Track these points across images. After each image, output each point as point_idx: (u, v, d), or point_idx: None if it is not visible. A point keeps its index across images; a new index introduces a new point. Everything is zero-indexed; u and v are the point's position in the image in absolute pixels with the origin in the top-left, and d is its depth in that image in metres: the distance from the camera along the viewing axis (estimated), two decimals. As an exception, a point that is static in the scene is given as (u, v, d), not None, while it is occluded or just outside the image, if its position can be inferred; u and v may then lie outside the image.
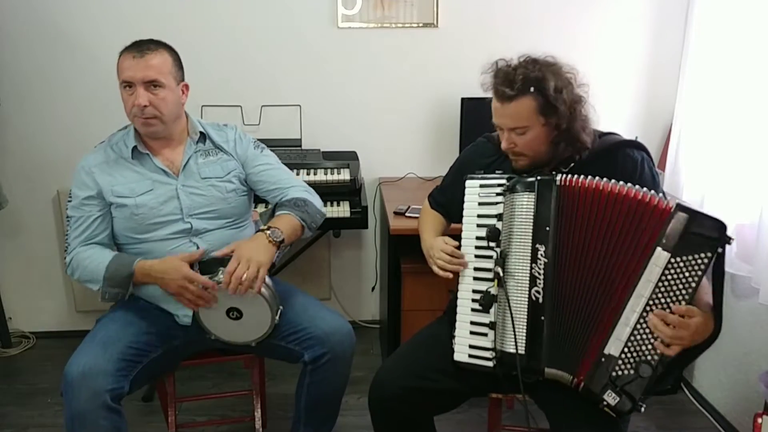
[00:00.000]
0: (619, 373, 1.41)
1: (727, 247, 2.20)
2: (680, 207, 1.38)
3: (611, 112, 2.87)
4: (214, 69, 2.75)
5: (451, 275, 1.64)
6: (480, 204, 1.60)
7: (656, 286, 1.38)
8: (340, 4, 2.72)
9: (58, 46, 2.70)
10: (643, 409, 1.41)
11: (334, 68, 2.81)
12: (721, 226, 1.34)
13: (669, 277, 1.37)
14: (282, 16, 2.73)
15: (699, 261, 1.35)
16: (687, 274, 1.36)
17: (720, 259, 1.36)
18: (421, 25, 2.77)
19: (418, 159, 2.92)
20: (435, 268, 1.66)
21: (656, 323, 1.37)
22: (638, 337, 1.40)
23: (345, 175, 2.61)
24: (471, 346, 1.59)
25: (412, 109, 2.87)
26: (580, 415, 1.51)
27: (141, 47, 1.74)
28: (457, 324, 1.61)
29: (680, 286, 1.37)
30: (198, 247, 1.82)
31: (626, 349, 1.41)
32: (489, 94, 1.60)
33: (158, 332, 1.79)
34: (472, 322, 1.59)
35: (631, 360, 1.41)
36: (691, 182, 2.54)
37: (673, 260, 1.37)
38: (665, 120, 2.83)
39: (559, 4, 2.77)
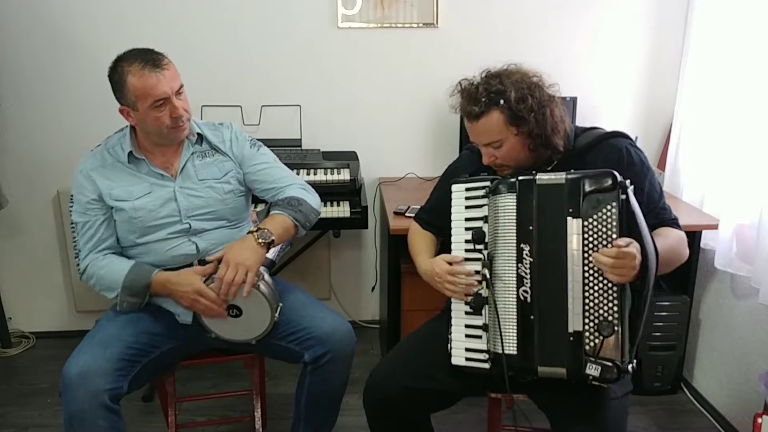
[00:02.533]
0: (590, 343, 1.43)
1: (727, 246, 2.24)
2: (568, 174, 1.46)
3: (611, 112, 2.87)
4: (214, 69, 2.75)
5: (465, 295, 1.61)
6: (467, 208, 1.61)
7: (583, 252, 1.43)
8: (340, 4, 2.72)
9: (59, 46, 2.70)
10: (631, 368, 1.42)
11: (334, 68, 2.81)
12: (610, 175, 1.41)
13: (589, 239, 1.42)
14: (282, 17, 2.73)
15: (608, 214, 1.41)
16: (604, 230, 1.41)
17: (626, 204, 1.41)
18: (421, 25, 2.77)
19: (418, 159, 2.92)
20: (448, 293, 1.64)
21: (597, 257, 1.39)
22: (590, 302, 1.43)
23: (345, 175, 2.61)
24: (467, 349, 1.59)
25: (412, 109, 2.87)
26: (580, 413, 1.51)
27: (153, 60, 1.69)
28: (453, 328, 1.62)
29: (605, 242, 1.41)
30: (197, 246, 1.82)
31: (586, 320, 1.43)
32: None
33: (158, 332, 1.79)
34: (466, 325, 1.60)
35: (594, 326, 1.43)
36: (691, 182, 2.55)
37: (585, 223, 1.43)
38: (665, 120, 2.83)
39: (559, 4, 2.77)
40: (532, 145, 1.57)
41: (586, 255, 1.43)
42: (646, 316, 1.46)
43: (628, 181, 1.42)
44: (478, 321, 1.57)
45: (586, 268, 1.43)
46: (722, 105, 2.35)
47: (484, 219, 1.57)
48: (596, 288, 1.43)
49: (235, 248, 1.70)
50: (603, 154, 1.61)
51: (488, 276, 1.53)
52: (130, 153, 1.80)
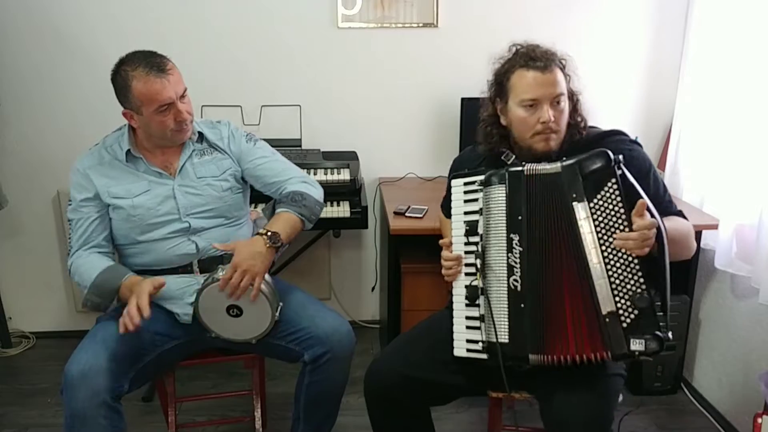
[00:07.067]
0: (627, 320, 1.44)
1: (727, 246, 2.24)
2: (562, 162, 1.50)
3: (611, 112, 2.87)
4: (214, 69, 2.75)
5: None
6: (465, 201, 1.64)
7: (597, 233, 1.46)
8: (340, 4, 2.72)
9: (57, 48, 2.70)
10: (671, 336, 1.44)
11: (334, 68, 2.81)
12: (603, 154, 1.45)
13: (600, 218, 1.46)
14: (282, 16, 2.73)
15: (611, 191, 1.44)
16: (611, 206, 1.45)
17: (624, 178, 1.45)
18: (421, 25, 2.77)
19: (418, 159, 2.92)
20: (446, 279, 1.69)
21: (621, 243, 1.43)
22: (617, 279, 1.45)
23: (345, 175, 2.61)
24: (468, 341, 1.61)
25: (412, 109, 2.87)
26: (571, 386, 1.53)
27: (157, 64, 1.69)
28: (454, 320, 1.64)
29: (614, 219, 1.45)
30: (197, 245, 1.82)
31: (617, 298, 1.45)
32: (518, 71, 1.63)
33: (159, 331, 1.79)
34: (467, 317, 1.62)
35: (627, 302, 1.44)
36: (691, 182, 2.55)
37: (591, 205, 1.46)
38: (665, 120, 2.83)
39: (559, 4, 2.76)
40: (573, 113, 1.64)
41: (599, 236, 1.46)
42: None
43: (621, 156, 1.46)
44: (476, 312, 1.59)
45: (603, 248, 1.45)
46: (722, 105, 2.35)
47: (480, 211, 1.59)
48: (618, 265, 1.45)
49: (245, 252, 1.70)
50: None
51: (479, 266, 1.57)
52: (128, 151, 1.81)
